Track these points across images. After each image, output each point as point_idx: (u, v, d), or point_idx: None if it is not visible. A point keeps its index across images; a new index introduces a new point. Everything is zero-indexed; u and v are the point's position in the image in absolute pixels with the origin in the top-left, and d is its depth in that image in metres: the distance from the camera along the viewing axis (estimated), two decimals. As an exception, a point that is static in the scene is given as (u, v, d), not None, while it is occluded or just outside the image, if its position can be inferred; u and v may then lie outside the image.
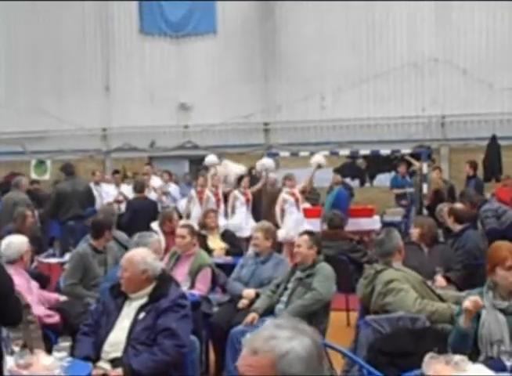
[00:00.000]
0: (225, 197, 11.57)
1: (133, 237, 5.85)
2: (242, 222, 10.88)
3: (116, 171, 14.30)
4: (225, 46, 16.70)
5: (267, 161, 12.18)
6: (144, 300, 4.10)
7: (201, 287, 5.84)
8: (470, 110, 15.27)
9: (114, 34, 17.48)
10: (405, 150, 14.26)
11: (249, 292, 5.71)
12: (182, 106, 16.99)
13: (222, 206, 11.28)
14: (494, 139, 14.35)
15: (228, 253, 7.86)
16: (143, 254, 4.26)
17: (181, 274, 5.85)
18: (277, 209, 10.82)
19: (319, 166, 11.52)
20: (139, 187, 10.73)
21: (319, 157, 11.72)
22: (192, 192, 11.78)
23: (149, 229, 7.60)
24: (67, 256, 7.39)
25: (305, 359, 1.78)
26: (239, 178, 12.04)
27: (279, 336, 1.81)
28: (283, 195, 10.80)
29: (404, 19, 15.76)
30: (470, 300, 3.58)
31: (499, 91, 15.19)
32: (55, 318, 5.28)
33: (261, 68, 16.61)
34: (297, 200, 10.82)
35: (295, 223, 10.33)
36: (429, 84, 15.65)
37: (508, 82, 15.13)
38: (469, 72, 15.38)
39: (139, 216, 9.54)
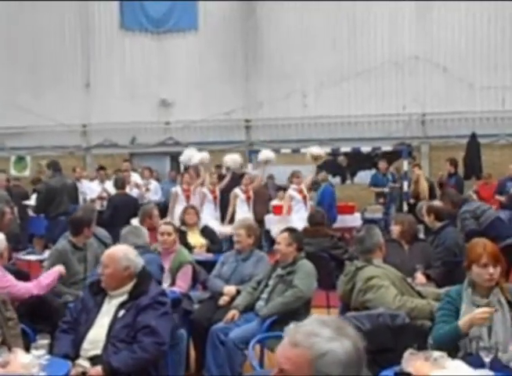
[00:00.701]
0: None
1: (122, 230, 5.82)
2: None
3: (101, 168, 14.20)
4: (206, 43, 16.67)
5: (233, 157, 11.92)
6: (124, 297, 4.07)
7: (182, 285, 5.82)
8: (450, 108, 15.40)
9: (95, 29, 17.37)
10: (386, 148, 14.34)
11: (230, 289, 5.70)
12: (163, 103, 16.94)
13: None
14: (474, 137, 14.48)
15: (208, 250, 7.84)
16: (125, 250, 4.22)
17: (161, 271, 5.83)
18: (284, 206, 10.73)
19: (316, 158, 11.21)
20: (120, 184, 10.67)
21: (314, 149, 11.36)
22: (178, 189, 11.73)
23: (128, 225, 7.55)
24: (46, 253, 7.32)
25: (343, 363, 1.76)
26: (240, 176, 11.91)
27: (322, 334, 1.79)
28: (290, 192, 10.68)
29: (385, 17, 15.84)
30: (481, 312, 3.57)
31: (478, 89, 15.35)
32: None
33: (242, 65, 16.61)
34: (304, 198, 10.67)
35: (303, 222, 9.70)
36: (410, 83, 15.75)
37: (487, 81, 15.28)
38: (449, 70, 15.50)
39: (120, 213, 9.51)
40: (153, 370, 4.02)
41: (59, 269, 5.60)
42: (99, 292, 4.15)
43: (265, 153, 11.67)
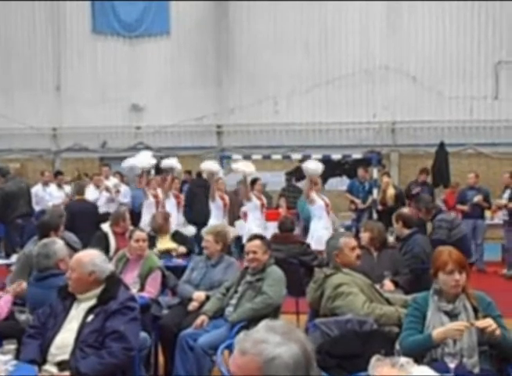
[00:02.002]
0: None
1: (37, 246, 5.27)
2: (258, 228, 10.45)
3: (59, 173, 14.04)
4: (178, 48, 16.67)
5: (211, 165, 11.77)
6: (92, 302, 4.05)
7: (151, 290, 5.80)
8: (419, 116, 15.60)
9: (66, 32, 17.25)
10: (356, 155, 14.46)
11: (199, 295, 5.70)
12: (134, 107, 16.88)
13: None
14: (442, 145, 14.67)
15: (180, 255, 7.82)
16: (92, 255, 4.21)
17: (130, 277, 5.80)
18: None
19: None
20: (79, 190, 10.52)
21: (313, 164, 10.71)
22: (147, 194, 11.73)
23: (87, 232, 7.49)
24: (14, 257, 7.24)
25: (291, 367, 1.78)
26: (253, 182, 11.81)
27: (269, 340, 1.81)
28: (314, 197, 10.16)
29: (356, 27, 16.02)
30: (457, 325, 3.62)
31: (447, 99, 15.56)
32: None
33: (214, 70, 16.63)
34: (327, 205, 10.23)
35: (326, 230, 9.46)
36: (380, 91, 15.92)
37: (456, 90, 15.51)
38: (419, 80, 15.71)
39: (77, 219, 9.28)
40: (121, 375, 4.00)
41: (14, 291, 5.22)
42: (67, 297, 4.12)
43: (245, 165, 11.38)
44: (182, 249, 7.91)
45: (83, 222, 8.62)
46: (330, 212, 10.54)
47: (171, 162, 11.75)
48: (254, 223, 10.84)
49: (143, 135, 17.00)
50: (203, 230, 6.35)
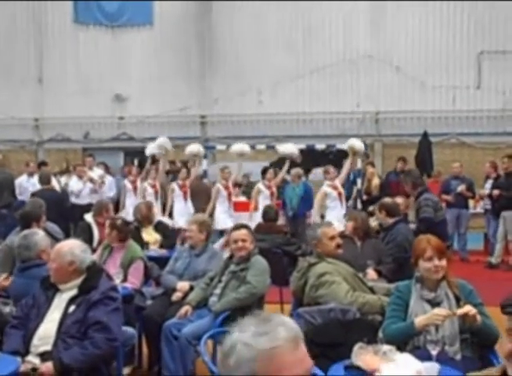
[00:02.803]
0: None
1: (18, 237, 5.23)
2: (225, 218, 10.63)
3: (42, 163, 13.96)
4: (161, 38, 16.58)
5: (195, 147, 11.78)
6: (74, 292, 4.04)
7: (134, 280, 5.79)
8: (403, 106, 15.65)
9: (48, 22, 17.09)
10: (340, 145, 14.47)
11: (183, 285, 5.69)
12: (117, 98, 16.78)
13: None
14: (425, 135, 14.71)
15: (161, 245, 7.80)
16: (71, 245, 4.20)
17: (114, 267, 5.79)
18: (316, 205, 10.14)
19: (355, 153, 10.80)
20: (45, 179, 10.43)
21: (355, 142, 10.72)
22: (126, 182, 11.77)
23: (55, 221, 7.45)
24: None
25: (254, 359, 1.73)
26: (264, 171, 11.75)
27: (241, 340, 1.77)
28: (324, 188, 10.06)
29: (339, 17, 16.01)
30: (439, 311, 3.64)
31: (430, 89, 15.63)
32: None
33: (198, 61, 16.57)
34: (340, 194, 10.10)
35: (340, 221, 9.25)
36: (364, 81, 15.94)
37: (439, 81, 15.57)
38: (402, 70, 15.75)
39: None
40: (104, 367, 3.99)
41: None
42: (50, 287, 4.11)
43: (239, 147, 11.47)
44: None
45: (49, 211, 8.52)
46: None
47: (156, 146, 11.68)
48: (221, 214, 10.92)
49: (126, 126, 16.91)
50: (186, 220, 6.33)
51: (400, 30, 15.86)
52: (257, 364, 1.69)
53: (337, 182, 10.23)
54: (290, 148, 11.37)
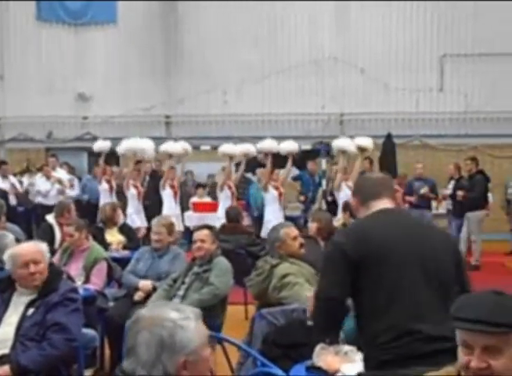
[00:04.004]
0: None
1: None
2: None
3: (2, 162, 13.75)
4: (126, 36, 16.43)
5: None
6: (33, 295, 3.98)
7: (96, 281, 5.72)
8: (367, 108, 15.77)
9: (9, 20, 16.79)
10: (305, 146, 14.53)
11: (145, 284, 5.66)
12: (80, 97, 16.59)
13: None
14: (389, 137, 14.84)
15: (125, 247, 7.74)
16: (43, 245, 4.19)
17: (75, 269, 5.72)
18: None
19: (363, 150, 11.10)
20: None
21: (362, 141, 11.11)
22: (102, 183, 11.76)
23: None
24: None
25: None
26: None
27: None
28: (344, 189, 10.25)
29: (305, 19, 16.09)
30: None
31: (394, 91, 15.78)
32: None
33: (162, 60, 16.48)
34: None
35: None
36: (329, 83, 16.03)
37: (403, 83, 15.75)
38: (366, 72, 15.88)
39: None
40: (65, 370, 3.94)
41: None
42: (6, 289, 4.04)
43: (227, 148, 11.46)
44: None
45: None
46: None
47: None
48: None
49: (90, 125, 16.71)
50: (153, 221, 6.21)
51: (364, 32, 15.99)
52: (198, 331, 1.94)
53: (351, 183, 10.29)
54: (292, 145, 11.39)
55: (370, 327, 2.91)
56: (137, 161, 11.96)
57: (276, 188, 11.03)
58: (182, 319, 1.91)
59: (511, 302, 2.04)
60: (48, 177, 12.28)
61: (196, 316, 1.94)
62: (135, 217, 10.94)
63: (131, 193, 11.23)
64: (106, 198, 11.28)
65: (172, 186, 11.42)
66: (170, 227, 5.97)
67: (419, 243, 2.97)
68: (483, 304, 2.06)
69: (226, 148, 11.53)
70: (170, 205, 11.21)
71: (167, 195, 11.34)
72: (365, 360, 2.96)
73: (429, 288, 2.85)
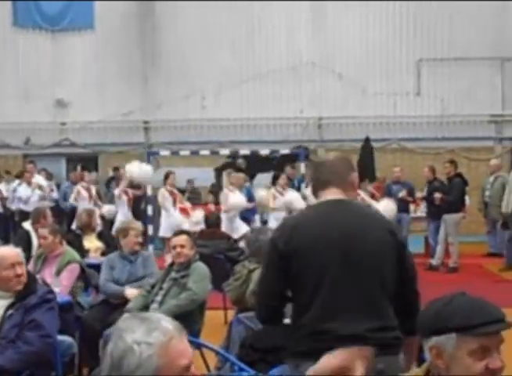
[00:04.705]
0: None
1: None
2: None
3: None
4: (103, 42, 16.36)
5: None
6: (12, 298, 4.01)
7: (64, 283, 5.70)
8: (345, 112, 15.86)
9: (-14, 25, 16.67)
10: (284, 151, 14.56)
11: (132, 292, 5.61)
12: (58, 103, 16.49)
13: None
14: (367, 140, 14.94)
15: (103, 253, 7.71)
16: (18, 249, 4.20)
17: (49, 275, 5.69)
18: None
19: None
20: None
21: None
22: (80, 189, 11.73)
23: None
24: None
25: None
26: (276, 177, 11.61)
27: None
28: (362, 195, 9.91)
29: (282, 24, 16.15)
30: None
31: (371, 95, 15.89)
32: None
33: (140, 66, 16.44)
34: (362, 200, 9.77)
35: None
36: (307, 87, 16.10)
37: (380, 87, 15.86)
38: (344, 76, 15.97)
39: None
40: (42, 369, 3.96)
41: None
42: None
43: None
44: None
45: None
46: None
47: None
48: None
49: (68, 131, 16.61)
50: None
51: (341, 37, 16.09)
52: (158, 359, 1.73)
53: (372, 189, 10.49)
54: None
55: (294, 320, 2.88)
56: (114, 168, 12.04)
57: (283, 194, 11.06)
58: (138, 342, 1.73)
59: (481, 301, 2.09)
60: (29, 183, 12.22)
61: (165, 341, 1.76)
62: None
63: (122, 200, 11.32)
64: (84, 205, 11.28)
65: (126, 193, 11.61)
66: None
67: (349, 238, 2.80)
68: (481, 305, 2.09)
69: None
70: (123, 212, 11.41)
71: (121, 203, 11.53)
72: (284, 349, 2.95)
73: (353, 285, 2.74)
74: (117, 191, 11.80)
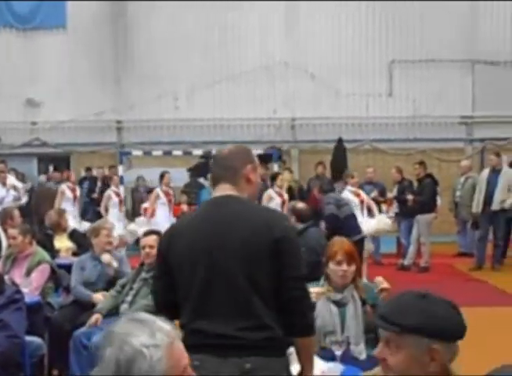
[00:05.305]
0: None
1: None
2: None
3: None
4: (75, 42, 16.23)
5: None
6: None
7: (34, 284, 5.65)
8: (318, 113, 15.92)
9: (-45, 24, 16.43)
10: (257, 151, 14.56)
11: (98, 297, 5.55)
12: (29, 102, 16.32)
13: None
14: (340, 141, 15.02)
15: (75, 254, 7.65)
16: None
17: (19, 276, 5.64)
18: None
19: None
20: None
21: None
22: (65, 188, 11.67)
23: None
24: None
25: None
26: (273, 177, 11.50)
27: None
28: (347, 194, 9.71)
29: (255, 23, 16.15)
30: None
31: (344, 96, 15.98)
32: None
33: (113, 65, 16.35)
34: (362, 202, 9.80)
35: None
36: (280, 88, 16.14)
37: (352, 88, 15.95)
38: (317, 77, 16.03)
39: None
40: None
41: None
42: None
43: None
44: None
45: None
46: None
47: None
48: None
49: (39, 131, 16.46)
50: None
51: (314, 38, 16.16)
52: (166, 361, 1.75)
53: (360, 190, 10.18)
54: None
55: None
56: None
57: (280, 195, 11.03)
58: (147, 346, 1.73)
59: (422, 306, 2.06)
60: (3, 184, 12.08)
61: (170, 342, 1.77)
62: (116, 225, 10.93)
63: (113, 201, 11.27)
64: (68, 206, 11.23)
65: (117, 195, 11.57)
66: (111, 231, 6.01)
67: (214, 237, 2.67)
68: (393, 303, 2.15)
69: None
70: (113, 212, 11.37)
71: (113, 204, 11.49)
72: None
73: (222, 285, 2.64)
74: (107, 192, 11.79)
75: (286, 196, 10.88)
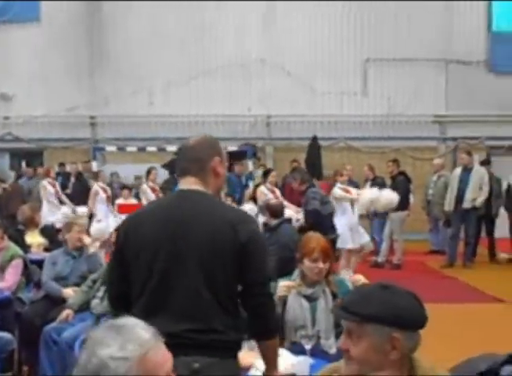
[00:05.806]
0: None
1: None
2: None
3: None
4: (49, 35, 16.06)
5: None
6: None
7: (9, 279, 5.60)
8: (293, 111, 15.95)
9: None
10: (232, 148, 14.56)
11: (68, 292, 5.52)
12: (2, 97, 16.13)
13: None
14: (315, 139, 15.08)
15: (47, 249, 7.59)
16: None
17: (-9, 270, 5.59)
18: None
19: None
20: None
21: None
22: (46, 184, 11.65)
23: None
24: None
25: None
26: (266, 173, 11.41)
27: None
28: (336, 190, 9.65)
29: (232, 20, 16.12)
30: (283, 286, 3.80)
31: (319, 94, 16.04)
32: None
33: (87, 60, 16.21)
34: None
35: (349, 228, 9.27)
36: (255, 85, 16.14)
37: (327, 86, 16.01)
38: (293, 75, 16.06)
39: None
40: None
41: None
42: None
43: None
44: None
45: None
46: None
47: None
48: None
49: (12, 126, 16.26)
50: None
51: (291, 36, 16.17)
52: (135, 374, 1.66)
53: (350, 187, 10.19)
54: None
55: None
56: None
57: (272, 192, 11.02)
58: (114, 358, 1.65)
59: (384, 296, 2.08)
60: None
61: (142, 354, 1.68)
62: (103, 221, 10.93)
63: (101, 197, 11.26)
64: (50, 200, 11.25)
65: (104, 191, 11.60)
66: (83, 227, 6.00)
67: (175, 233, 2.61)
68: (355, 293, 2.25)
69: None
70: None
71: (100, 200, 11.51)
72: None
73: (178, 282, 2.59)
74: (94, 188, 11.80)
75: (278, 192, 10.88)
